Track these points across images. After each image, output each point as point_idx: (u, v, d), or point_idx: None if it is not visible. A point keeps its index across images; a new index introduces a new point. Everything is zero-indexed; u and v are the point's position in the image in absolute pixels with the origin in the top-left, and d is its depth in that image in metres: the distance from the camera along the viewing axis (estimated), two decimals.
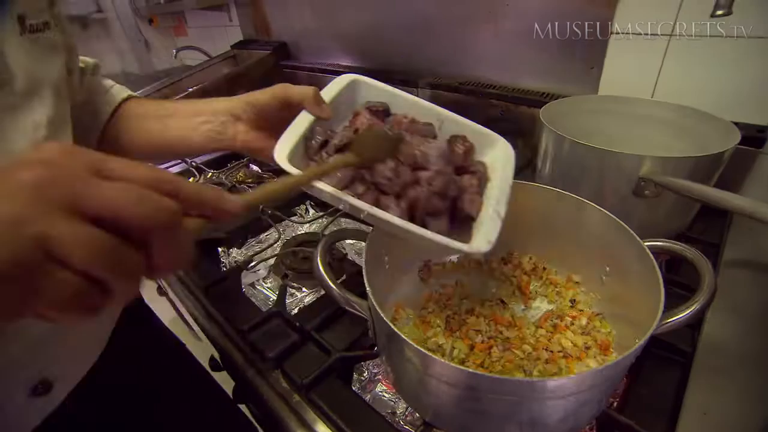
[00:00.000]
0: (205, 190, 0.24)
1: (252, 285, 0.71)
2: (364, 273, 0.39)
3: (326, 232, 0.73)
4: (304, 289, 0.68)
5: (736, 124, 0.60)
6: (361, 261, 0.44)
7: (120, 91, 0.55)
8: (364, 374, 0.53)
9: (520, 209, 0.47)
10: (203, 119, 0.47)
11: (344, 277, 0.65)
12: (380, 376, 0.52)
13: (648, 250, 0.40)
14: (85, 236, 0.19)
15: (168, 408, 0.61)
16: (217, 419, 0.69)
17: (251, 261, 0.71)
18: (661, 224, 0.61)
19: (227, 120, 0.46)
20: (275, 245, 0.77)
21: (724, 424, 0.40)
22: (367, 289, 0.37)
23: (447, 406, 0.36)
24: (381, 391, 0.51)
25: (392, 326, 0.34)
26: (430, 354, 0.32)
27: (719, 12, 0.43)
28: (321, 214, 0.85)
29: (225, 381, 0.71)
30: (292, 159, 0.35)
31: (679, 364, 0.46)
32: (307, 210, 0.89)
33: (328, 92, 0.43)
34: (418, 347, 0.33)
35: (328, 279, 0.42)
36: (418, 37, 1.15)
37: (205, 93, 1.50)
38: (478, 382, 0.32)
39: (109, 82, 0.55)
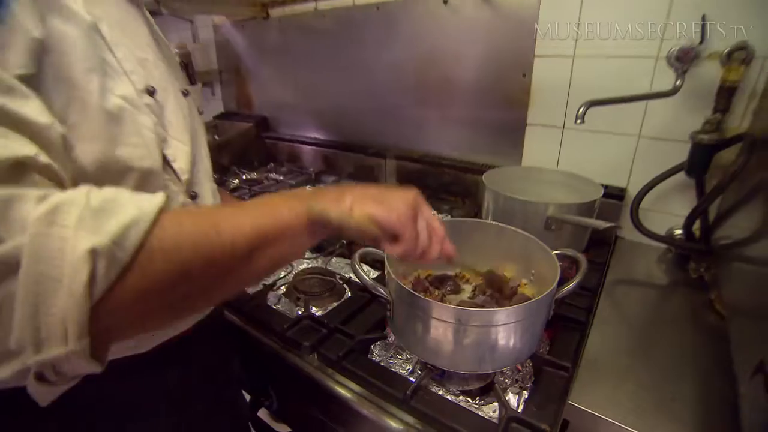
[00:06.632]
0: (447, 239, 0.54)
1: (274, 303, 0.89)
2: (386, 262, 0.63)
3: (330, 264, 0.97)
4: (313, 308, 0.86)
5: (606, 186, 0.94)
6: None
7: None
8: (375, 355, 0.73)
9: (474, 239, 0.74)
10: None
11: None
12: (390, 353, 0.73)
13: (553, 255, 0.67)
14: (429, 221, 0.51)
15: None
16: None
17: (274, 285, 0.91)
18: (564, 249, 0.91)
19: None
20: (288, 275, 0.97)
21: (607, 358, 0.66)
22: (388, 269, 0.61)
23: (442, 343, 0.59)
24: (392, 363, 0.71)
25: (407, 288, 0.57)
26: (433, 300, 0.56)
27: (578, 121, 0.77)
28: (316, 255, 1.07)
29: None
30: None
31: (580, 328, 0.73)
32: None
33: None
34: (425, 297, 0.57)
35: (361, 271, 0.65)
36: (385, 117, 1.44)
37: None
38: (465, 315, 0.55)
39: None
